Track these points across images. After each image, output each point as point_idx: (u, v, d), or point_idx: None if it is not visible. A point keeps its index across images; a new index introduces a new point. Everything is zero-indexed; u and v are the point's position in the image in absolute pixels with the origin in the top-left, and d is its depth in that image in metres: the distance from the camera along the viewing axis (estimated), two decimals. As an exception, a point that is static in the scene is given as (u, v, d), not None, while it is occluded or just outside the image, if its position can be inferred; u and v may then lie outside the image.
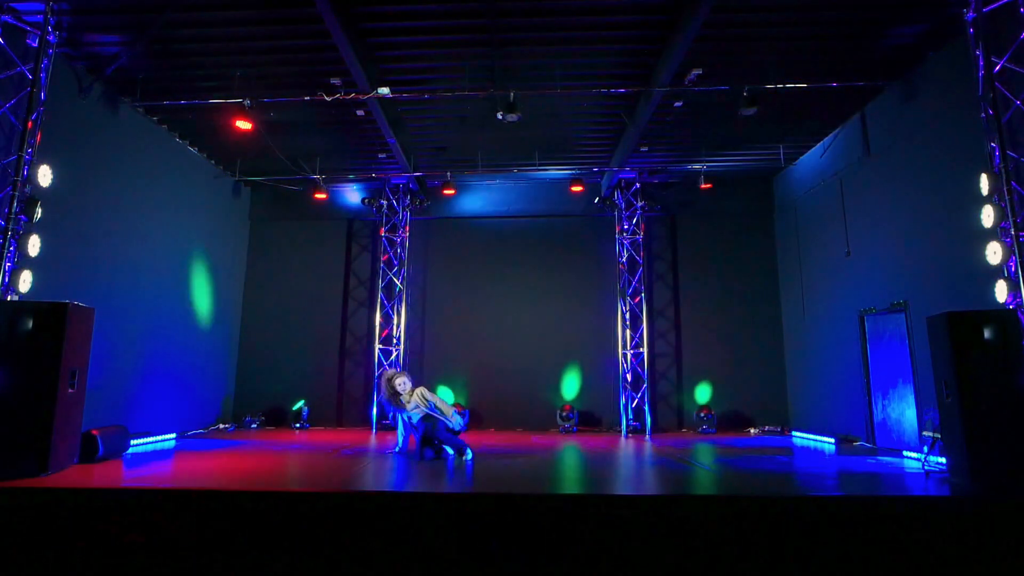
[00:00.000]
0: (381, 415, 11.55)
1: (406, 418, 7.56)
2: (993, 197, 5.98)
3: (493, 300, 12.33)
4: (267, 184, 12.17)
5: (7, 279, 6.27)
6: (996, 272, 5.95)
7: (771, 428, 11.17)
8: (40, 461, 5.88)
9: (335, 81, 8.23)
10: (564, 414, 11.28)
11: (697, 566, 4.69)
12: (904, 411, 8.38)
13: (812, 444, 9.55)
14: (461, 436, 7.53)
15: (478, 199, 12.65)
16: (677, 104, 8.81)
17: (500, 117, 8.25)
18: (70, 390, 6.29)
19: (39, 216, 6.52)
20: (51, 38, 6.87)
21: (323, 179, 11.45)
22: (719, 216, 12.30)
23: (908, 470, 6.74)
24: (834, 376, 10.07)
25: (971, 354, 5.81)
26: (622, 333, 11.72)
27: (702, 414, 11.22)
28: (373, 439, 9.90)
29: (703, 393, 11.34)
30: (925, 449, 6.69)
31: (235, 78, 8.23)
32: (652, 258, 12.37)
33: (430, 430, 7.31)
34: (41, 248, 6.59)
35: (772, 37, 7.59)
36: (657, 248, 12.43)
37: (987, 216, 6.02)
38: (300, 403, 11.67)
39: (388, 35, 7.66)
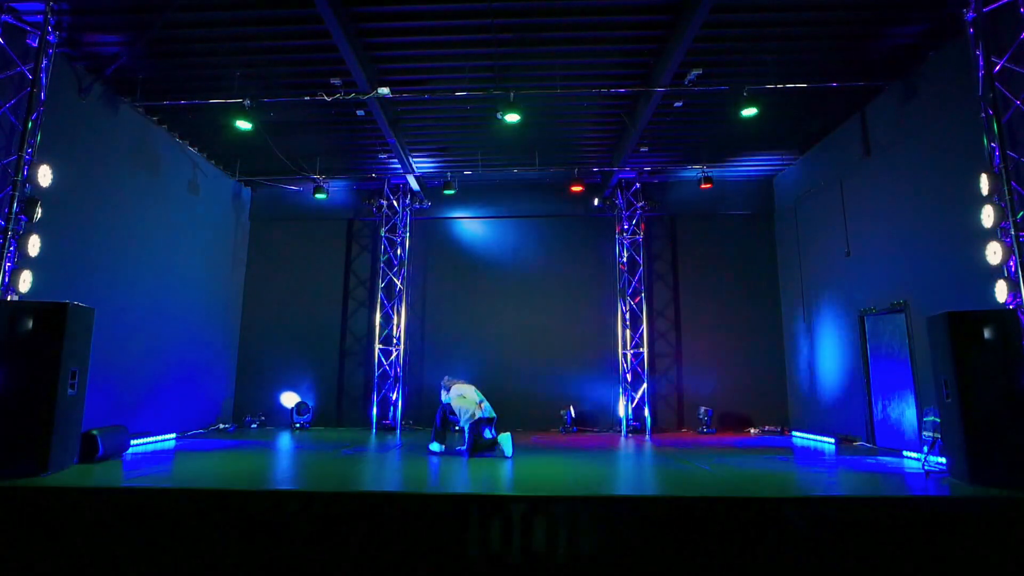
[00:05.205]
0: (382, 415, 11.58)
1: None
2: (993, 197, 5.99)
3: (493, 300, 12.32)
4: (267, 184, 12.19)
5: (7, 279, 6.27)
6: (996, 272, 5.96)
7: (771, 428, 11.17)
8: (40, 461, 5.87)
9: (335, 81, 8.23)
10: (564, 414, 11.28)
11: (697, 566, 4.69)
12: (904, 411, 8.38)
13: (812, 444, 9.55)
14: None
15: (478, 199, 12.64)
16: (677, 104, 8.81)
17: (500, 117, 8.26)
18: (70, 390, 6.28)
19: (39, 216, 6.52)
20: (51, 38, 6.87)
21: (323, 179, 11.46)
22: (719, 216, 12.30)
23: (908, 470, 6.73)
24: (834, 376, 10.07)
25: (971, 354, 5.81)
26: (622, 333, 11.72)
27: (702, 414, 11.22)
28: (373, 439, 9.91)
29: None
30: (925, 449, 6.68)
31: (235, 78, 8.24)
32: (652, 258, 12.36)
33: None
34: (41, 248, 6.59)
35: (772, 37, 7.59)
36: (657, 248, 12.42)
37: (987, 216, 6.03)
38: (300, 403, 11.68)
39: (388, 35, 7.66)
